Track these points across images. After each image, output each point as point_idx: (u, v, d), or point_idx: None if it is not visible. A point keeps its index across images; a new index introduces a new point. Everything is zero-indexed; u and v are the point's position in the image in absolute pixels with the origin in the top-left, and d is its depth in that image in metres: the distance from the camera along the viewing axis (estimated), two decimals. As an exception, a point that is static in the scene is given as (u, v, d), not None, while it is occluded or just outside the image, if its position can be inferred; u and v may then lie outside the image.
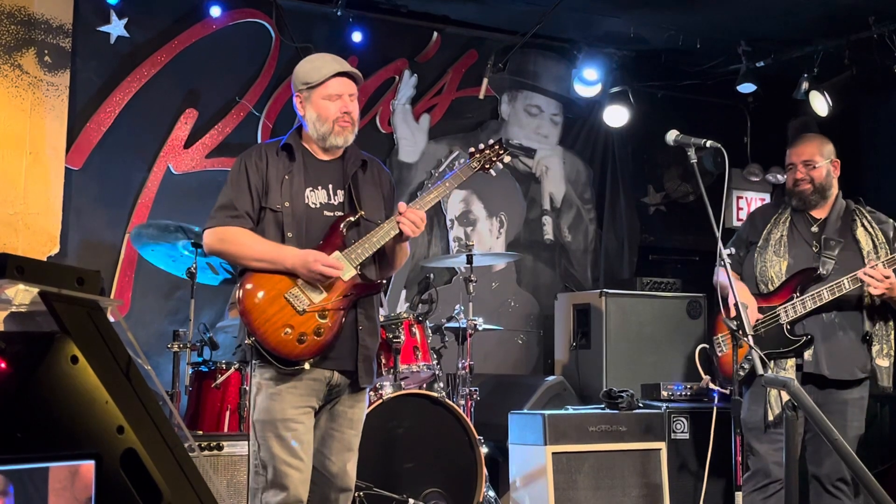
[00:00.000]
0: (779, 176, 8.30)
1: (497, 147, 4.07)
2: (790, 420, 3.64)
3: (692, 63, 7.96)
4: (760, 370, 3.77)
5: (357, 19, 6.99)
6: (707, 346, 4.99)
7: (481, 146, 4.06)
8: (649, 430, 5.89)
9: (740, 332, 4.00)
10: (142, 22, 6.52)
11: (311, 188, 3.78)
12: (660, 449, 5.87)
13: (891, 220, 4.93)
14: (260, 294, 3.64)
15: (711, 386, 5.11)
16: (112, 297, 6.25)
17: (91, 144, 6.33)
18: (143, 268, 6.33)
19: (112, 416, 1.81)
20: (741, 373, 4.73)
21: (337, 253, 3.69)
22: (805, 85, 7.42)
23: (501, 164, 4.06)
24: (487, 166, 4.04)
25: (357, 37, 6.96)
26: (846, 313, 4.71)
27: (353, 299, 3.72)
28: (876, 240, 4.77)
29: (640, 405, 6.03)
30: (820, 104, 7.45)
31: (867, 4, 6.82)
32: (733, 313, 4.67)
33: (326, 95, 3.78)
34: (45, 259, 6.05)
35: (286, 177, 3.75)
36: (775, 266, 4.79)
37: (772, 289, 4.80)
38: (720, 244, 4.31)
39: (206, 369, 5.43)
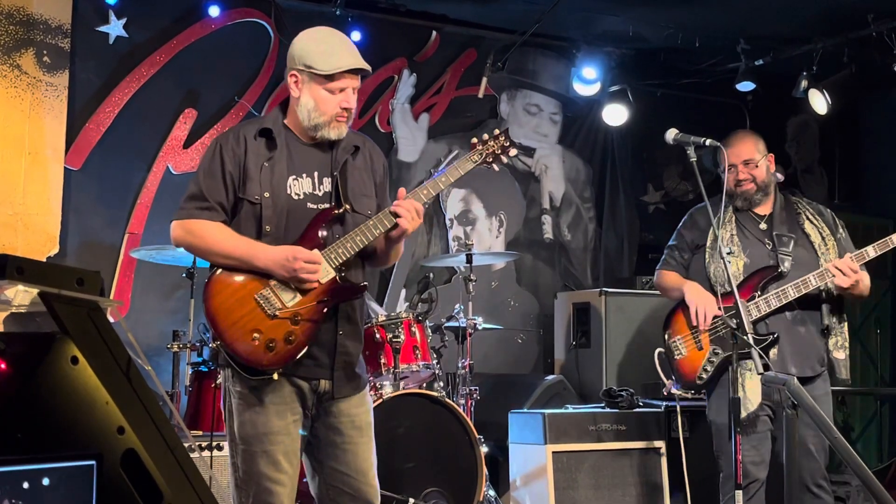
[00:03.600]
0: (778, 175, 8.29)
1: (502, 139, 3.62)
2: (790, 419, 3.64)
3: (691, 61, 7.96)
4: (760, 368, 3.77)
5: (356, 18, 6.99)
6: (662, 350, 4.93)
7: (485, 136, 3.62)
8: (649, 429, 5.89)
9: (740, 330, 3.99)
10: (141, 22, 6.51)
11: (294, 176, 3.41)
12: (660, 448, 5.88)
13: (828, 210, 4.96)
14: (227, 294, 3.32)
15: (674, 391, 5.08)
16: (111, 297, 6.24)
17: (90, 145, 6.32)
18: (142, 268, 6.32)
19: (112, 417, 1.80)
20: (704, 375, 4.73)
21: (315, 251, 3.34)
22: (804, 83, 7.42)
23: (506, 158, 3.64)
24: (490, 160, 3.60)
25: (356, 36, 6.94)
26: (806, 310, 4.71)
27: (331, 304, 3.36)
28: (822, 231, 4.79)
29: (640, 404, 6.03)
30: (819, 102, 7.44)
31: (866, 2, 6.82)
32: (693, 317, 4.66)
33: (330, 88, 3.39)
34: (45, 259, 6.04)
35: (265, 164, 3.38)
36: (731, 266, 4.72)
37: (728, 289, 4.73)
38: (720, 243, 4.31)
39: (206, 369, 5.43)
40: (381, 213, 3.42)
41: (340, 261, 3.37)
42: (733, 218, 4.83)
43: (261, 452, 3.32)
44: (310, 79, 3.40)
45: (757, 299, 4.63)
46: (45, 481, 1.69)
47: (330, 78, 3.38)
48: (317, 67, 3.38)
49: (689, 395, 5.29)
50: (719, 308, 4.61)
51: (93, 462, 1.75)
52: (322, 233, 3.39)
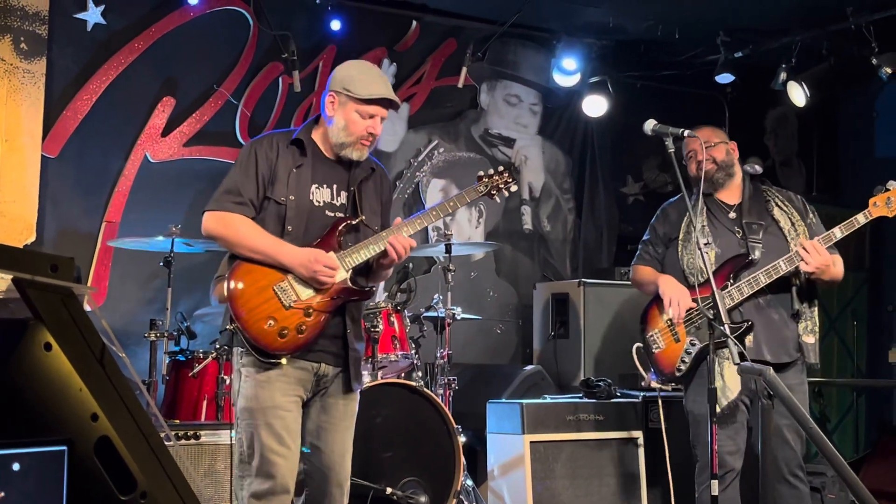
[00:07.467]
0: (756, 167, 8.30)
1: (506, 175, 4.04)
2: (766, 409, 3.65)
3: (671, 53, 7.97)
4: (737, 358, 3.78)
5: (336, 7, 6.96)
6: (641, 344, 4.94)
7: (490, 171, 4.04)
8: (626, 420, 5.91)
9: (716, 321, 4.01)
10: (119, 9, 6.47)
11: (316, 185, 3.79)
12: (637, 438, 5.90)
13: (797, 196, 4.99)
14: (249, 282, 3.64)
15: (654, 385, 5.11)
16: (88, 285, 6.21)
17: (68, 132, 6.28)
18: (120, 257, 6.29)
19: (86, 404, 1.80)
20: (682, 367, 4.75)
21: (332, 254, 3.70)
22: (783, 75, 7.44)
23: (508, 192, 4.04)
24: (494, 192, 4.01)
25: (336, 25, 6.93)
26: (778, 294, 4.73)
27: (341, 302, 3.73)
28: (792, 217, 4.83)
29: (618, 394, 6.05)
30: (798, 95, 7.48)
31: (845, -5, 6.85)
32: (667, 308, 4.69)
33: (362, 112, 3.75)
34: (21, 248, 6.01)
35: (294, 170, 3.75)
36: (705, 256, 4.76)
37: (702, 279, 4.75)
38: (697, 235, 4.32)
39: (184, 358, 5.42)
40: (384, 233, 3.79)
41: (353, 265, 3.74)
42: (704, 209, 4.86)
43: (264, 424, 3.60)
44: (346, 101, 3.77)
45: (730, 288, 4.66)
46: (16, 466, 1.68)
47: (365, 102, 3.75)
48: (355, 91, 3.76)
49: (668, 388, 5.32)
50: (694, 300, 4.63)
51: (64, 447, 1.74)
52: (339, 239, 3.75)
